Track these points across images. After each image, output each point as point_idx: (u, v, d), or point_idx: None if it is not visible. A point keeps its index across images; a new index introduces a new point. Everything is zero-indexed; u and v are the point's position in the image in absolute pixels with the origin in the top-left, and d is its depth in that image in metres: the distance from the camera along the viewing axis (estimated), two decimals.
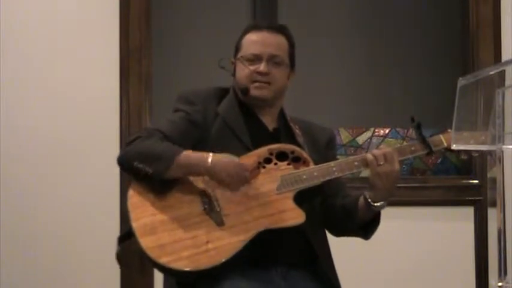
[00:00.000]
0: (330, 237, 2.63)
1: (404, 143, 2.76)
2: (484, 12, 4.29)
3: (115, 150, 2.58)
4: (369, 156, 2.44)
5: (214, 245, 2.33)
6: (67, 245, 4.05)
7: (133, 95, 4.15)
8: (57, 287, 4.06)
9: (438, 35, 4.51)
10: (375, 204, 2.46)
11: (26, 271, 4.03)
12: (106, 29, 4.14)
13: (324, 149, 2.65)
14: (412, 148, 2.53)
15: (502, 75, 2.42)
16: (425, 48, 4.51)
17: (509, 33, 4.26)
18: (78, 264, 4.04)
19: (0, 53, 4.06)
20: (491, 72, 2.45)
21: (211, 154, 2.37)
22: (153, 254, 2.31)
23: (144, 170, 2.37)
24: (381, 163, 2.43)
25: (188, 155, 2.38)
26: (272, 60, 2.54)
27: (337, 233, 2.64)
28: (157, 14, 4.27)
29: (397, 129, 4.31)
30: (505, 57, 4.19)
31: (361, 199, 2.49)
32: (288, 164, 2.47)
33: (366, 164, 2.46)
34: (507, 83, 2.41)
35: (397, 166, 2.46)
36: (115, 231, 2.70)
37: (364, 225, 2.53)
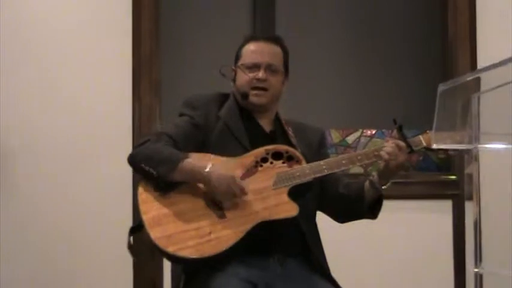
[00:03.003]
0: (320, 227, 2.61)
1: None
2: (461, 24, 4.30)
3: (128, 149, 2.56)
4: (385, 154, 2.44)
5: (216, 235, 2.32)
6: (85, 235, 4.05)
7: (145, 99, 4.16)
8: (77, 271, 4.05)
9: (421, 45, 4.50)
10: (383, 187, 2.50)
11: (45, 257, 4.04)
12: (120, 39, 4.14)
13: (317, 147, 2.65)
14: None
15: (477, 81, 2.43)
16: (410, 57, 4.51)
17: (484, 43, 4.27)
18: (95, 252, 4.04)
19: (23, 61, 4.08)
20: (468, 79, 2.45)
21: (210, 165, 2.35)
22: (161, 243, 2.30)
23: (150, 171, 2.37)
24: (392, 158, 2.43)
25: (190, 163, 2.36)
26: (269, 68, 2.54)
27: (344, 219, 2.65)
28: (166, 26, 4.27)
29: (383, 130, 4.32)
30: (480, 64, 4.20)
31: (367, 184, 2.52)
32: (283, 163, 2.47)
33: (352, 162, 2.48)
34: (482, 88, 2.42)
35: (403, 159, 2.46)
36: (128, 222, 2.70)
37: (371, 207, 2.54)
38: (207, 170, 2.34)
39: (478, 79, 2.43)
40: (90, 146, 4.08)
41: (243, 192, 2.36)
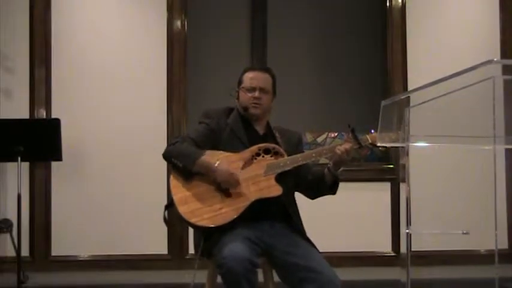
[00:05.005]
0: (298, 202, 2.57)
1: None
2: (396, 59, 4.33)
3: (164, 149, 2.53)
4: (338, 151, 2.41)
5: (225, 210, 2.31)
6: (134, 209, 4.08)
7: (175, 113, 4.16)
8: (129, 234, 4.07)
9: (370, 75, 4.51)
10: (337, 172, 2.46)
11: (108, 223, 4.06)
12: (158, 70, 4.15)
13: (296, 145, 2.61)
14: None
15: (408, 99, 2.43)
16: (362, 83, 4.51)
17: (412, 72, 4.30)
18: (142, 221, 4.05)
19: (92, 89, 4.08)
20: (402, 97, 2.47)
21: (218, 162, 2.33)
22: (186, 216, 2.29)
23: (178, 164, 2.35)
24: (345, 155, 2.40)
25: (204, 160, 2.34)
26: (262, 90, 2.51)
27: (314, 196, 2.60)
28: (191, 60, 4.27)
29: (343, 133, 4.31)
30: (410, 87, 4.22)
31: (326, 171, 2.48)
32: (271, 156, 2.44)
33: (319, 155, 2.44)
34: (411, 104, 2.42)
35: (350, 156, 2.43)
36: (163, 201, 2.69)
37: (331, 186, 2.50)
38: (216, 165, 2.32)
39: (409, 98, 2.43)
40: (138, 146, 4.12)
41: (237, 183, 2.33)
